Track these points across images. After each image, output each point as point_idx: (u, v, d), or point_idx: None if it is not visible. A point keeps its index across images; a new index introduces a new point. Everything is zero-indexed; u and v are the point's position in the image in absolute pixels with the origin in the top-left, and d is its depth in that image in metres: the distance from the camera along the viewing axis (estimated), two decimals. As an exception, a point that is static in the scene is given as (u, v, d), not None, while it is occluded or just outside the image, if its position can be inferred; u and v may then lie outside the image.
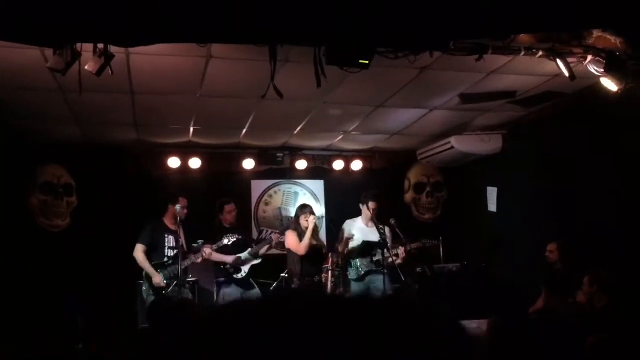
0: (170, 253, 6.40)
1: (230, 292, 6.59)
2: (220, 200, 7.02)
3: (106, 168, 7.84)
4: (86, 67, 3.95)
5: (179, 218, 6.42)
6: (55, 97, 5.73)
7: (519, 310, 5.75)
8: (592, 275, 5.15)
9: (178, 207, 6.27)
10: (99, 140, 7.59)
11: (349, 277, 6.88)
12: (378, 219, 6.82)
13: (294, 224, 6.83)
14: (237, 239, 6.74)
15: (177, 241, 6.46)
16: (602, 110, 5.72)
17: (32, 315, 6.53)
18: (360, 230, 6.91)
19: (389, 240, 6.74)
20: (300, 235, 6.58)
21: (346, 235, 6.94)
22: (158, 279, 6.22)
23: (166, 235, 6.44)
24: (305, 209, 6.77)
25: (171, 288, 6.23)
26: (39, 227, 7.58)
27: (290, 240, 6.65)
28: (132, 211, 6.95)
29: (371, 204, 6.83)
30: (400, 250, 6.75)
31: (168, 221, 6.53)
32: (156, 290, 6.21)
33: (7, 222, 7.08)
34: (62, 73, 3.89)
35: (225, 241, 6.49)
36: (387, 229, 6.81)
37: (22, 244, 7.21)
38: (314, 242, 6.61)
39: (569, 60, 4.66)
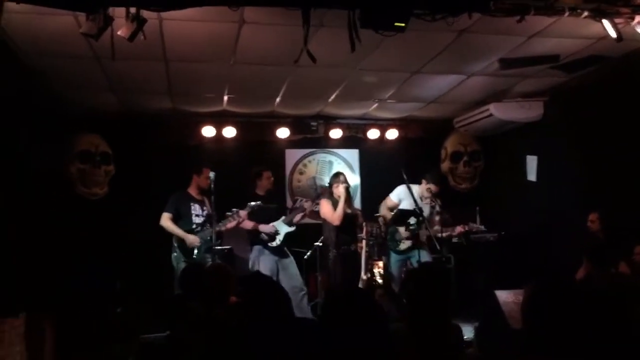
0: (198, 220, 6.45)
1: (265, 260, 6.59)
2: (256, 168, 6.99)
3: (142, 137, 7.92)
4: (119, 33, 3.94)
5: (206, 188, 6.43)
6: (91, 65, 5.76)
7: (559, 278, 5.62)
8: None
9: (212, 174, 6.26)
10: (135, 109, 7.64)
11: (391, 248, 6.81)
12: (434, 200, 6.73)
13: (328, 193, 6.77)
14: (269, 206, 6.72)
15: (203, 209, 6.50)
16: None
17: (72, 281, 6.68)
18: (411, 201, 6.66)
19: (437, 213, 6.65)
20: (335, 204, 6.52)
21: (394, 199, 6.85)
22: (192, 238, 6.29)
23: (192, 204, 6.48)
24: (337, 177, 6.69)
25: (201, 254, 6.27)
26: (78, 196, 7.73)
27: (325, 209, 6.60)
28: (168, 180, 7.00)
29: (431, 186, 6.70)
30: (458, 229, 6.69)
31: (193, 191, 6.57)
32: (187, 255, 6.26)
33: (48, 191, 7.22)
34: (95, 38, 3.88)
35: (252, 203, 6.45)
36: (437, 205, 6.72)
37: (62, 212, 7.35)
38: (348, 211, 6.55)
39: (616, 20, 4.44)
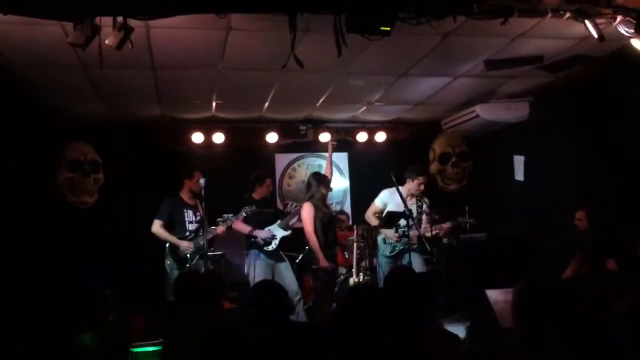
0: (192, 227, 6.41)
1: (261, 264, 6.54)
2: (258, 173, 6.94)
3: (131, 144, 7.91)
4: (106, 42, 3.95)
5: (198, 192, 6.39)
6: (79, 74, 5.77)
7: (547, 277, 5.68)
8: None
9: (202, 180, 6.23)
10: (123, 117, 7.64)
11: (383, 254, 6.78)
12: (423, 194, 6.62)
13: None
14: (266, 211, 6.70)
15: (196, 215, 6.48)
16: (632, 74, 5.55)
17: (63, 290, 6.66)
18: (398, 203, 6.55)
19: (426, 214, 6.61)
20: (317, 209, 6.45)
21: (378, 205, 6.79)
22: (185, 244, 6.26)
23: (185, 210, 6.44)
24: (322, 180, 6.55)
25: (195, 261, 6.24)
26: (68, 204, 7.71)
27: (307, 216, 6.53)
28: (158, 187, 6.98)
29: (421, 179, 6.63)
30: (446, 225, 6.64)
31: (185, 196, 6.53)
32: (180, 263, 6.24)
33: (38, 200, 7.19)
34: (83, 47, 3.89)
35: (247, 208, 6.42)
36: (424, 204, 6.67)
37: (53, 221, 7.32)
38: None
39: (598, 21, 4.48)
